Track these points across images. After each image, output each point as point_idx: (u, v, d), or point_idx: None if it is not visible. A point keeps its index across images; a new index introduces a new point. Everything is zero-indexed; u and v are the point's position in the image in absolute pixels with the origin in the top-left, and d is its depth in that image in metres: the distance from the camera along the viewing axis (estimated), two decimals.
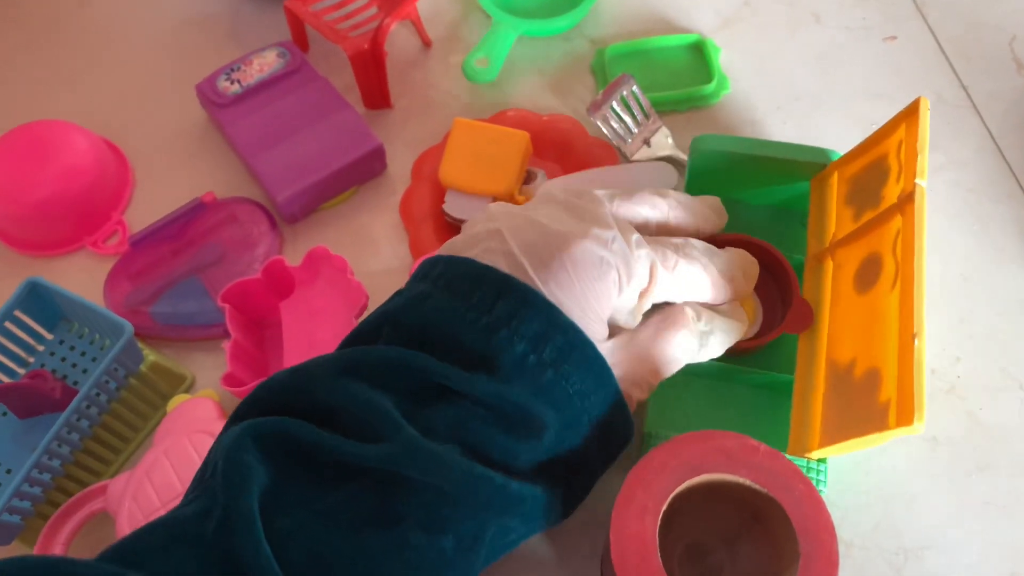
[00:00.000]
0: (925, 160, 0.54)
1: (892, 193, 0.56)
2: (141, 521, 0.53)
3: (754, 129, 0.75)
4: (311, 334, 0.60)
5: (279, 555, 0.37)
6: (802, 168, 0.65)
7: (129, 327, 0.55)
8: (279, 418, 0.40)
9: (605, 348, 0.45)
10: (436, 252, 0.64)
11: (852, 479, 0.59)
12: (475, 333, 0.42)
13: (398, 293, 0.48)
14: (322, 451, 0.39)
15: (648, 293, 0.48)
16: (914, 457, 0.61)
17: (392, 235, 0.70)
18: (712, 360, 0.59)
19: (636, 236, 0.47)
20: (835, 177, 0.64)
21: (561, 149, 0.72)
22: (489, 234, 0.46)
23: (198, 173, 0.72)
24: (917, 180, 0.53)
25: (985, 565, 0.57)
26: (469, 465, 0.40)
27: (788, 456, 0.54)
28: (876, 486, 0.59)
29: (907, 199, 0.54)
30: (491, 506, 0.41)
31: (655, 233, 0.52)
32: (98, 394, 0.56)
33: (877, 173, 0.59)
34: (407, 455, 0.39)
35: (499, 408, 0.41)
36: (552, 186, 0.67)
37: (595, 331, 0.45)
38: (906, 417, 0.45)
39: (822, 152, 0.65)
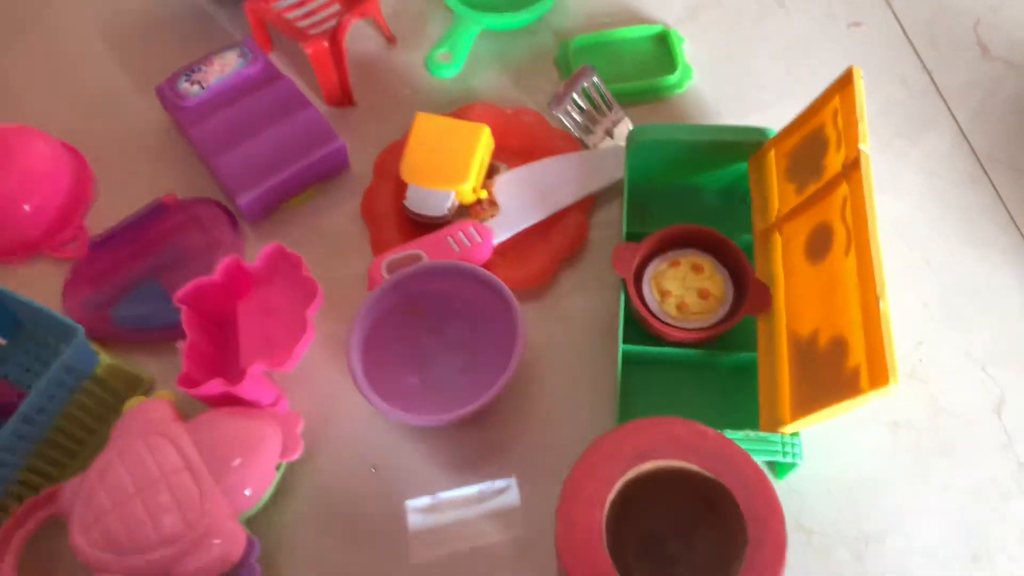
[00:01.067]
0: (865, 125, 0.55)
1: (834, 163, 0.57)
2: (92, 526, 0.52)
3: (718, 119, 0.75)
4: (266, 332, 0.60)
5: None
6: (740, 148, 0.66)
7: (80, 329, 0.55)
8: None
9: None
10: (397, 249, 0.64)
11: (813, 466, 0.59)
12: None
13: None
14: None
15: None
16: (876, 442, 0.61)
17: (355, 232, 0.70)
18: (679, 349, 0.60)
19: None
20: (773, 154, 0.64)
21: (525, 142, 0.72)
22: None
23: (160, 175, 0.72)
24: (860, 146, 0.53)
25: (945, 547, 0.57)
26: None
27: (762, 433, 0.54)
28: (838, 473, 0.59)
29: (852, 166, 0.54)
30: None
31: None
32: (51, 397, 0.56)
33: (815, 145, 0.60)
34: None
35: None
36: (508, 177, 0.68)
37: None
38: (879, 378, 0.45)
39: (758, 131, 0.65)
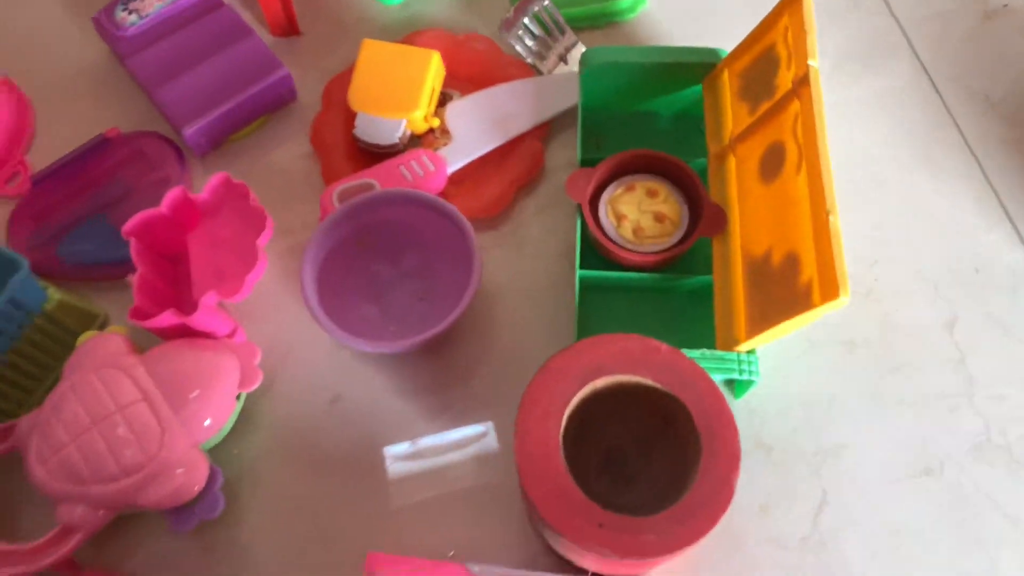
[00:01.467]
0: (814, 40, 0.54)
1: (785, 80, 0.56)
2: (50, 458, 0.52)
3: (672, 43, 0.74)
4: (217, 264, 0.59)
5: None
6: (694, 70, 0.65)
7: (24, 262, 0.54)
8: None
9: None
10: (349, 178, 0.63)
11: (771, 385, 0.59)
12: None
13: None
14: None
15: None
16: (832, 361, 0.61)
17: (304, 163, 0.68)
18: (636, 273, 0.60)
19: None
20: (726, 75, 0.64)
21: (477, 69, 0.70)
22: None
23: (102, 109, 0.70)
24: (809, 61, 0.53)
25: (898, 460, 0.58)
26: None
27: (719, 352, 0.54)
28: (795, 392, 0.60)
29: (801, 82, 0.54)
30: None
31: None
32: (3, 327, 0.54)
33: (767, 64, 0.59)
34: None
35: None
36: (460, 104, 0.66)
37: None
38: (830, 292, 0.46)
39: (711, 52, 0.65)
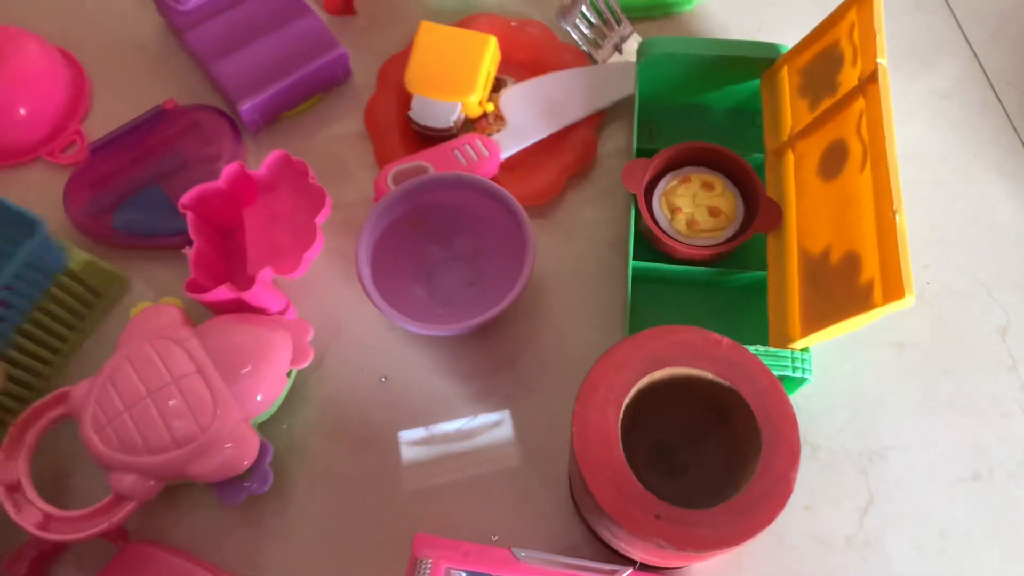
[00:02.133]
0: (883, 38, 0.53)
1: (849, 78, 0.56)
2: (105, 426, 0.52)
3: (726, 37, 0.73)
4: (273, 239, 0.59)
5: None
6: (752, 65, 0.64)
7: (42, 223, 0.53)
8: None
9: None
10: (403, 160, 0.63)
11: (819, 385, 0.59)
12: None
13: None
14: None
15: None
16: (881, 362, 0.61)
17: (356, 144, 0.68)
18: (688, 266, 0.59)
19: None
20: (785, 70, 0.63)
21: (531, 56, 0.70)
22: None
23: (158, 82, 0.70)
24: (878, 59, 0.52)
25: (946, 464, 0.57)
26: None
27: (772, 349, 0.54)
28: (843, 391, 0.60)
29: (869, 79, 0.53)
30: None
31: None
32: (19, 294, 0.55)
33: (830, 60, 0.59)
34: None
35: None
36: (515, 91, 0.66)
37: None
38: (894, 292, 0.45)
39: (770, 47, 0.64)
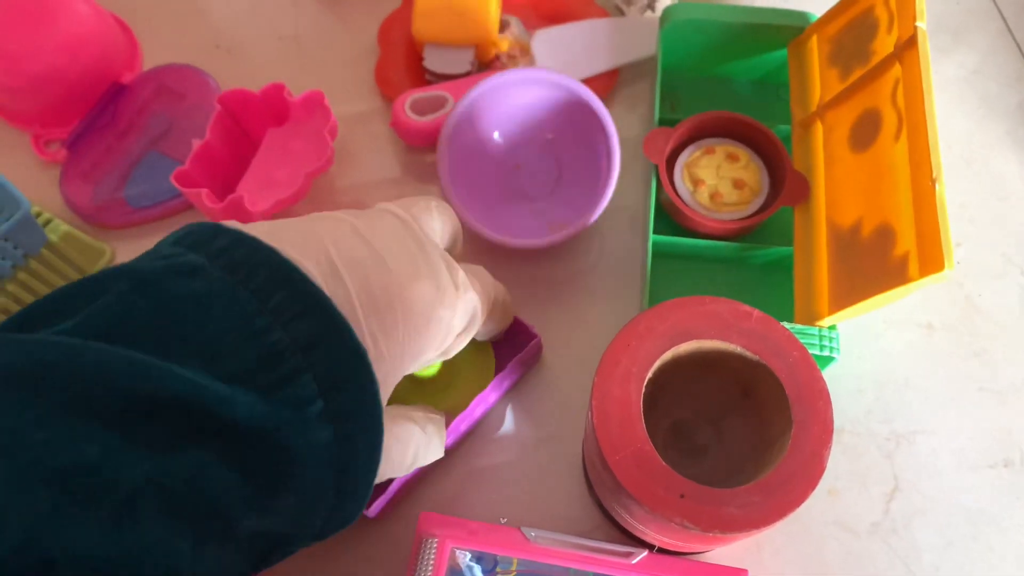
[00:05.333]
0: (923, 2, 0.51)
1: (884, 46, 0.53)
2: None
3: (755, 4, 0.70)
4: (272, 170, 0.58)
5: None
6: (779, 33, 0.62)
7: (25, 203, 0.50)
8: None
9: None
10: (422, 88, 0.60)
11: (844, 365, 0.57)
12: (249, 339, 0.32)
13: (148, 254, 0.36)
14: None
15: (463, 336, 0.44)
16: (909, 343, 0.59)
17: (371, 105, 0.66)
18: (711, 241, 0.57)
19: (462, 276, 0.42)
20: (814, 39, 0.61)
21: (552, 5, 0.68)
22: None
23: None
24: (917, 23, 0.50)
25: (975, 449, 0.55)
26: None
27: (799, 326, 0.52)
28: (869, 372, 0.57)
29: (907, 44, 0.51)
30: None
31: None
32: None
33: (863, 29, 0.56)
34: None
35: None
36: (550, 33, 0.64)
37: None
38: (932, 264, 0.43)
39: (800, 15, 0.62)
